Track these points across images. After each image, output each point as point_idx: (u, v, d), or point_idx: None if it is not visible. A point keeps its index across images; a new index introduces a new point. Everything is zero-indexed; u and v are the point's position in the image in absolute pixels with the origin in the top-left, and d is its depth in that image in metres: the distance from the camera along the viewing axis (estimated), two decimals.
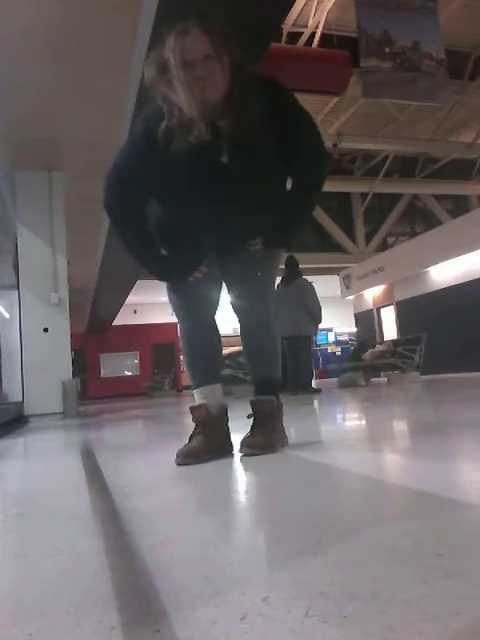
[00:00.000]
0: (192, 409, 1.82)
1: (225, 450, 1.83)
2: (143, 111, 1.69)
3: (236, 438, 1.86)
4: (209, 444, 1.75)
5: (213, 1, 3.84)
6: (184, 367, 1.94)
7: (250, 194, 1.70)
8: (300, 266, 7.23)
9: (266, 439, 1.78)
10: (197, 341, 1.89)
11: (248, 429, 1.83)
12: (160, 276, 1.83)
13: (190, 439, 1.78)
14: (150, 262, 1.80)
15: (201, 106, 1.50)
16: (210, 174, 1.63)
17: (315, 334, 7.29)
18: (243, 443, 1.77)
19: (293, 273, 7.10)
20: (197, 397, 1.84)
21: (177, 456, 1.70)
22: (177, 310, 1.92)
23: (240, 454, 1.77)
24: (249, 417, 1.84)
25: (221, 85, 1.53)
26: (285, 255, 2.12)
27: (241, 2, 3.95)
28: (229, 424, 1.89)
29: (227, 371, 7.63)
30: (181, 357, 1.97)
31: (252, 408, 1.85)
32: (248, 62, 1.62)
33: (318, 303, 6.96)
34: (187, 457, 1.69)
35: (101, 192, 1.69)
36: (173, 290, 1.90)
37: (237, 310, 1.92)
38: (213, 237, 1.80)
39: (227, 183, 1.65)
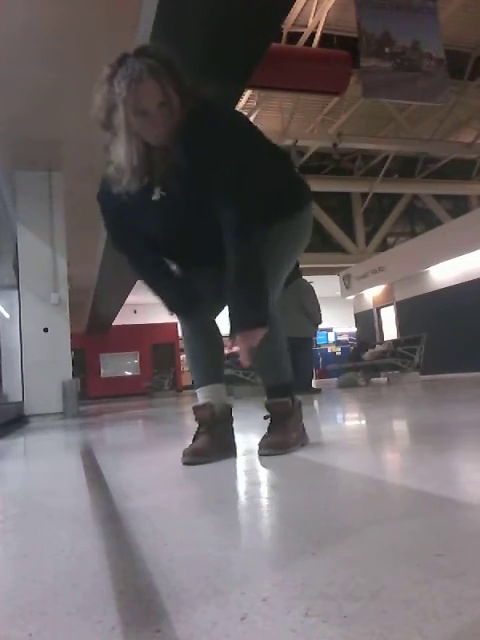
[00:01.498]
0: (196, 408, 1.81)
1: (231, 450, 1.83)
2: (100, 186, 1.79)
3: (242, 438, 1.86)
4: (215, 443, 1.74)
5: (212, 3, 3.85)
6: (186, 366, 1.94)
7: (202, 219, 1.67)
8: (301, 266, 7.19)
9: (283, 439, 1.76)
10: (199, 339, 1.88)
11: (248, 429, 1.84)
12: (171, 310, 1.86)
13: (194, 439, 1.77)
14: (162, 294, 1.85)
15: (141, 158, 1.55)
16: (152, 211, 1.68)
17: (314, 335, 7.25)
18: (261, 444, 1.76)
19: (293, 274, 7.05)
20: (200, 396, 1.83)
21: (184, 455, 1.69)
22: (175, 308, 1.91)
23: (259, 455, 1.75)
24: (266, 418, 1.83)
25: (171, 128, 1.55)
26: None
27: (241, 2, 3.95)
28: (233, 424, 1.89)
29: (228, 371, 7.63)
30: (182, 356, 1.97)
31: (268, 410, 1.84)
32: (192, 84, 1.57)
33: (317, 304, 6.90)
34: (194, 456, 1.68)
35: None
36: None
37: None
38: (200, 257, 1.81)
39: (170, 215, 1.68)
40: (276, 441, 1.75)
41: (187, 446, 1.74)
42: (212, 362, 1.88)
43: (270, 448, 1.73)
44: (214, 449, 1.72)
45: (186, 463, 1.67)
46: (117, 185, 1.62)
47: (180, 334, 2.06)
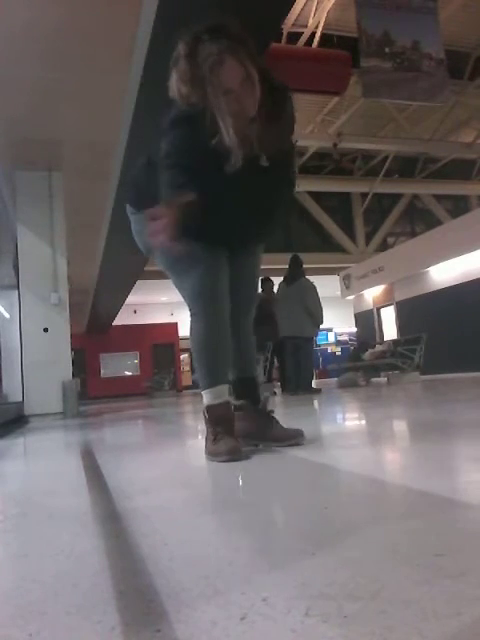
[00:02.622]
0: (214, 407, 1.79)
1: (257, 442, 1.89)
2: (176, 107, 1.68)
3: None
4: (244, 438, 1.83)
5: (212, 3, 3.85)
6: (186, 366, 1.91)
7: (279, 196, 1.81)
8: (303, 266, 7.16)
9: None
10: (221, 335, 1.85)
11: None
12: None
13: (216, 437, 1.74)
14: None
15: (241, 136, 1.62)
16: (251, 176, 1.70)
17: (316, 335, 7.23)
18: (277, 437, 1.85)
19: (296, 273, 6.99)
20: (215, 395, 1.81)
21: (219, 454, 1.68)
22: (203, 290, 1.82)
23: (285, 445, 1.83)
24: (271, 413, 1.90)
25: (256, 101, 1.63)
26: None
27: (241, 2, 3.95)
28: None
29: None
30: (196, 351, 1.87)
31: (263, 405, 1.90)
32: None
33: (319, 304, 6.84)
34: (236, 453, 1.68)
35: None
36: (204, 261, 1.81)
37: (235, 311, 1.91)
38: (234, 232, 1.83)
39: (265, 184, 1.75)
40: (288, 432, 1.89)
41: (211, 445, 1.74)
42: (227, 361, 1.89)
43: (291, 438, 1.86)
44: (245, 443, 1.80)
45: (226, 461, 1.66)
46: (226, 161, 1.65)
47: (187, 334, 2.03)
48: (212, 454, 1.72)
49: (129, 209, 1.99)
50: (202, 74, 1.57)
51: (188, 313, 1.92)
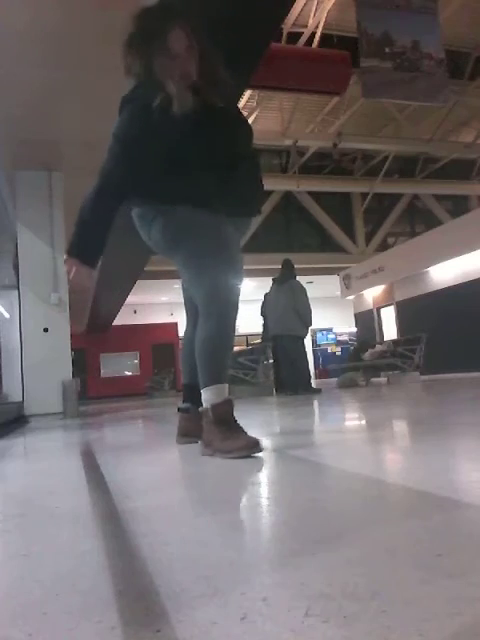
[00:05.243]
0: (219, 405, 1.79)
1: None
2: (128, 96, 1.92)
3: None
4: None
5: (212, 3, 3.84)
6: (201, 360, 1.87)
7: (247, 138, 1.99)
8: (301, 266, 7.31)
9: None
10: (231, 335, 1.89)
11: (247, 428, 1.84)
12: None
13: (227, 435, 1.74)
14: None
15: (185, 85, 1.84)
16: (214, 117, 1.88)
17: (305, 335, 7.40)
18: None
19: (287, 275, 7.30)
20: (219, 393, 1.82)
21: (238, 449, 1.68)
22: (223, 291, 1.83)
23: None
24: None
25: (197, 67, 1.87)
26: None
27: (241, 2, 3.95)
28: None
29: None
30: (204, 350, 1.85)
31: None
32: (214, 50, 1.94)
33: (308, 305, 7.11)
34: (255, 446, 1.68)
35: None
36: (216, 228, 1.88)
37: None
38: (228, 189, 1.89)
39: (231, 123, 1.95)
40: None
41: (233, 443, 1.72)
42: (229, 360, 1.94)
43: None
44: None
45: (250, 455, 1.67)
46: (170, 108, 1.81)
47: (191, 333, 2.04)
48: (228, 450, 1.70)
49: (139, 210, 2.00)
50: (148, 44, 1.82)
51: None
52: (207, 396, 1.83)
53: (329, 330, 22.34)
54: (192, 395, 2.04)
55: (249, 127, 2.05)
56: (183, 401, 2.16)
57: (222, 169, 1.87)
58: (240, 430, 1.78)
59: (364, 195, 17.93)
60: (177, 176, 1.85)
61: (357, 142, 14.87)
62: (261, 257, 13.30)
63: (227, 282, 1.83)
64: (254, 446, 1.68)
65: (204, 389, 1.84)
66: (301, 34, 11.84)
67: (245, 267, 2.03)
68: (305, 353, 7.45)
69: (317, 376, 19.74)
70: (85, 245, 1.85)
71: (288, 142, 14.75)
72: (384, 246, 17.89)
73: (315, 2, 11.45)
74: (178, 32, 1.83)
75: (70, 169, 6.93)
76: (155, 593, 0.67)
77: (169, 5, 1.90)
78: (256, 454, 1.69)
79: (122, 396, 16.90)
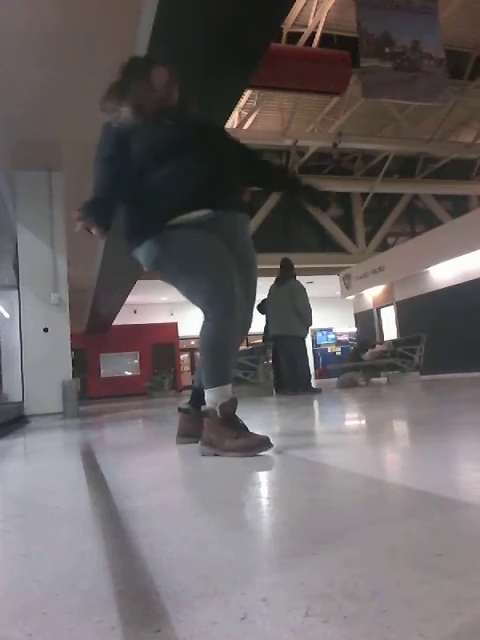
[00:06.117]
0: (225, 405, 1.81)
1: None
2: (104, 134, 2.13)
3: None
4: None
5: (212, 3, 3.85)
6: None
7: (220, 150, 2.06)
8: (301, 266, 7.31)
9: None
10: (234, 335, 1.89)
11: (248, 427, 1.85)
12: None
13: (237, 434, 1.76)
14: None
15: (157, 112, 2.06)
16: (182, 132, 2.04)
17: (305, 335, 7.41)
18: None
19: (287, 275, 7.30)
20: (224, 393, 1.83)
21: (250, 448, 1.70)
22: (221, 293, 1.84)
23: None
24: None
25: (173, 101, 2.10)
26: None
27: (241, 2, 3.95)
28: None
29: None
30: (207, 351, 1.87)
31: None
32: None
33: (308, 305, 7.11)
34: (267, 443, 1.71)
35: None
36: (217, 255, 1.90)
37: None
38: (220, 186, 1.96)
39: (198, 138, 2.04)
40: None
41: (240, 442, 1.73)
42: (234, 360, 1.98)
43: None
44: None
45: (258, 453, 1.69)
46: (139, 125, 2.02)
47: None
48: (241, 449, 1.71)
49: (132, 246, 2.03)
50: (127, 83, 2.07)
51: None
52: (213, 397, 1.83)
53: (329, 330, 22.37)
54: (199, 400, 2.01)
55: (220, 130, 2.22)
56: (187, 403, 2.20)
57: (211, 171, 1.96)
58: (246, 428, 1.80)
59: (364, 195, 17.92)
60: (145, 207, 1.94)
61: (357, 142, 14.86)
62: (261, 257, 13.21)
63: (223, 286, 1.83)
64: (267, 442, 1.71)
65: (209, 390, 1.85)
66: (301, 34, 11.83)
67: None
68: (305, 353, 7.46)
69: (317, 376, 19.75)
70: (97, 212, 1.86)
71: (288, 142, 14.75)
72: (384, 246, 17.88)
73: (315, 2, 11.45)
74: (161, 69, 2.10)
75: (70, 169, 6.93)
76: (155, 593, 0.67)
77: (154, 56, 2.21)
78: (264, 452, 1.71)
79: (122, 396, 16.89)
